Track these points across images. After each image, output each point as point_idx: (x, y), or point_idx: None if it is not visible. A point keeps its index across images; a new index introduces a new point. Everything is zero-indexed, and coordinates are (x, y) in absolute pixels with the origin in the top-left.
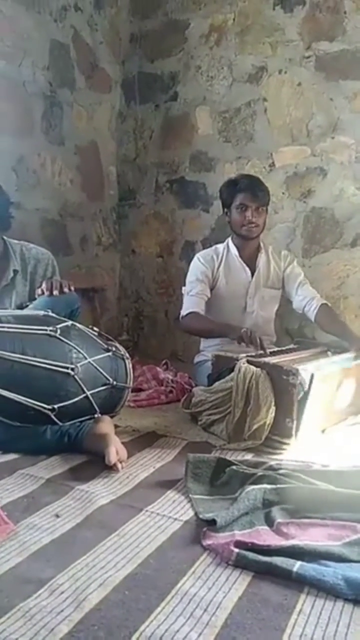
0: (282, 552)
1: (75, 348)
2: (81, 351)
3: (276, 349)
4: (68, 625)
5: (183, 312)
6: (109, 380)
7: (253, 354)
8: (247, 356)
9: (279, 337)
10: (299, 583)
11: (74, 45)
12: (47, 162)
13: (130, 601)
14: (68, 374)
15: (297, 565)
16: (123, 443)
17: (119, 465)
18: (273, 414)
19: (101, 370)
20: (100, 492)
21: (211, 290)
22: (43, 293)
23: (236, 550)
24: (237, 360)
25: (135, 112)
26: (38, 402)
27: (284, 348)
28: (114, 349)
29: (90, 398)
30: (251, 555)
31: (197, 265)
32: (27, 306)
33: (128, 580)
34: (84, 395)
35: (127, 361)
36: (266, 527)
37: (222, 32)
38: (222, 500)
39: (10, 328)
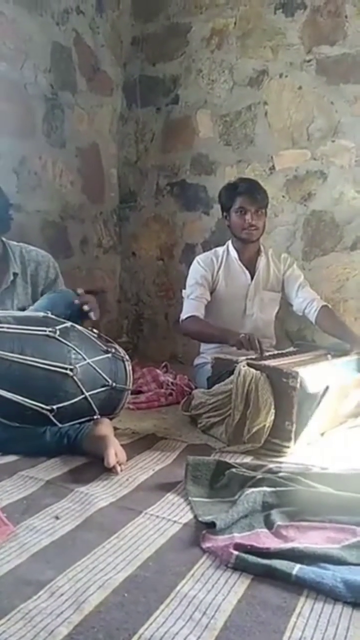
0: (281, 554)
1: (74, 349)
2: (80, 352)
3: (276, 352)
4: (67, 627)
5: (183, 316)
6: (108, 381)
7: (253, 357)
8: (247, 359)
9: (278, 340)
10: (298, 586)
11: (76, 48)
12: (48, 164)
13: (130, 603)
14: (67, 374)
15: (296, 568)
16: (122, 445)
17: (118, 468)
18: (273, 417)
19: (100, 372)
20: (100, 494)
21: (211, 293)
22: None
23: (235, 552)
24: (237, 363)
25: (136, 114)
26: (36, 402)
27: (284, 351)
28: (113, 350)
29: (89, 399)
30: (250, 558)
31: (197, 269)
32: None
33: (127, 582)
34: (82, 396)
35: (126, 363)
36: (265, 530)
37: (223, 35)
38: (221, 502)
39: (9, 328)
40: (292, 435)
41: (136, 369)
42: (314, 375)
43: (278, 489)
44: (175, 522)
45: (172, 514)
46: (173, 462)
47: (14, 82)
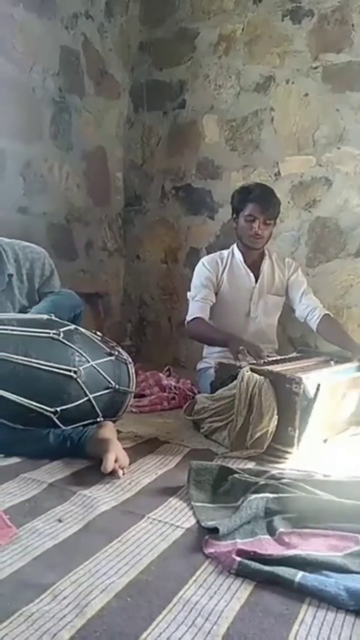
0: (284, 561)
1: (78, 351)
2: (84, 354)
3: (279, 357)
4: (70, 631)
5: (188, 318)
6: (111, 384)
7: (254, 362)
8: (250, 364)
9: (281, 345)
10: (301, 593)
11: (84, 52)
12: (55, 167)
13: (132, 608)
14: (70, 376)
15: (299, 576)
16: (125, 449)
17: (120, 472)
18: (275, 423)
19: (104, 374)
20: (103, 497)
21: (215, 294)
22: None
23: (238, 559)
24: (240, 368)
25: (143, 118)
26: (40, 404)
27: (286, 357)
28: (117, 353)
29: (93, 401)
30: (253, 564)
31: (202, 270)
32: (29, 311)
33: (130, 587)
34: (86, 398)
35: (129, 366)
36: (268, 537)
37: (230, 41)
38: (224, 508)
39: (13, 331)
40: (295, 441)
41: (139, 372)
42: (316, 381)
43: (281, 495)
44: (178, 527)
45: (174, 519)
46: (176, 466)
47: (22, 85)
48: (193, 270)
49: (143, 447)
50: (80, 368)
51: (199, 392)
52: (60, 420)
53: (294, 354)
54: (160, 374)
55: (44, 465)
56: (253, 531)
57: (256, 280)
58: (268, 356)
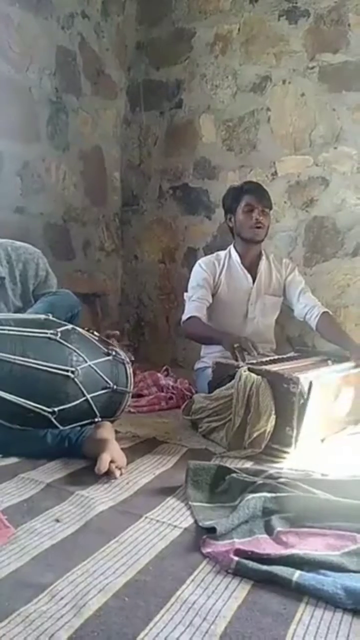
0: (281, 561)
1: (75, 351)
2: (81, 354)
3: (276, 356)
4: (68, 631)
5: (184, 317)
6: (109, 384)
7: (253, 361)
8: (248, 364)
9: (279, 344)
10: (299, 592)
11: (81, 52)
12: (52, 167)
13: (130, 608)
14: (68, 376)
15: (296, 575)
16: (123, 449)
17: (116, 473)
18: (273, 422)
19: (101, 374)
20: (100, 497)
21: (213, 296)
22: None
23: (236, 558)
24: (238, 367)
25: (140, 118)
26: (38, 404)
27: (284, 356)
28: (114, 353)
29: (90, 401)
30: (251, 563)
31: (199, 271)
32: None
33: (127, 587)
34: (84, 398)
35: (127, 366)
36: (266, 536)
37: (227, 41)
38: (222, 508)
39: (10, 331)
40: (293, 441)
41: (137, 372)
42: (309, 379)
43: (278, 494)
44: (175, 526)
45: (172, 519)
46: (173, 466)
47: (18, 85)
48: (191, 270)
49: (141, 447)
50: (78, 368)
51: (196, 392)
52: (57, 421)
53: (292, 354)
54: (158, 374)
55: (41, 465)
56: (251, 530)
57: (253, 281)
58: (264, 354)
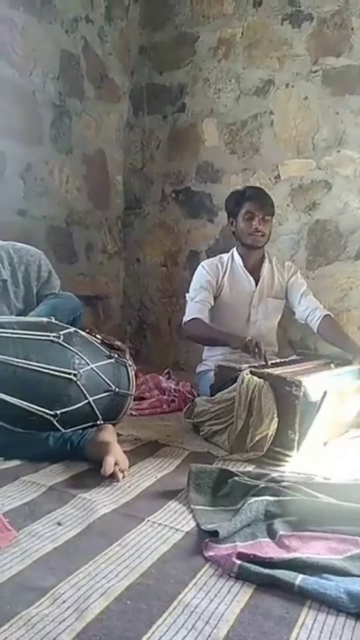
0: (284, 564)
1: (78, 354)
2: (84, 357)
3: (279, 360)
4: (70, 634)
5: (186, 318)
6: (111, 386)
7: (256, 364)
8: (250, 367)
9: (281, 347)
10: (301, 596)
11: (84, 56)
12: (55, 170)
13: (132, 612)
14: (70, 379)
15: (299, 579)
16: (125, 452)
17: (120, 475)
18: (275, 426)
19: (103, 377)
20: (102, 500)
21: (215, 298)
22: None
23: (238, 562)
24: (240, 370)
25: (143, 122)
26: (40, 407)
27: (287, 359)
28: (116, 356)
29: (93, 404)
30: (253, 567)
31: (202, 273)
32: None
33: (130, 590)
34: (86, 401)
35: (129, 368)
36: (268, 539)
37: (230, 45)
38: (224, 511)
39: (13, 333)
40: (295, 444)
41: (139, 375)
42: (317, 384)
43: (281, 498)
44: (177, 530)
45: (174, 522)
46: (175, 469)
47: (22, 89)
48: (193, 273)
49: (143, 450)
50: (80, 371)
51: (198, 395)
52: (60, 423)
53: (294, 357)
54: (160, 377)
55: (43, 468)
56: (253, 534)
57: (256, 284)
58: (269, 358)
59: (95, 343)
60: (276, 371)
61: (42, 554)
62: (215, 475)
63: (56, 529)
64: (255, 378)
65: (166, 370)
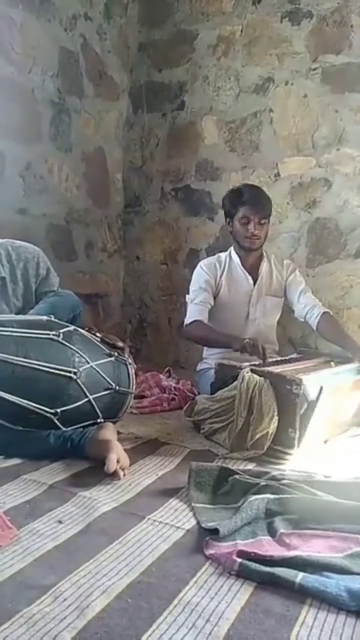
0: (284, 563)
1: (78, 353)
2: (84, 356)
3: (279, 358)
4: (71, 632)
5: (187, 321)
6: (111, 385)
7: (256, 363)
8: (251, 365)
9: (281, 346)
10: (302, 595)
11: (83, 54)
12: (55, 168)
13: (133, 610)
14: (71, 378)
15: (300, 577)
16: (126, 450)
17: (121, 473)
18: (276, 424)
19: (104, 375)
20: (103, 499)
21: (214, 298)
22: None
23: (239, 560)
24: (241, 369)
25: (142, 120)
26: (41, 406)
27: (287, 358)
28: (116, 354)
29: (93, 403)
30: (254, 565)
31: (201, 274)
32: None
33: (131, 588)
34: (86, 399)
35: (130, 367)
36: (269, 538)
37: (230, 43)
38: (224, 509)
39: (13, 332)
40: (296, 443)
41: (139, 373)
42: (317, 382)
43: (281, 496)
44: (178, 528)
45: (175, 520)
46: (176, 467)
47: (21, 87)
48: (193, 271)
49: (143, 448)
50: (80, 369)
51: (199, 394)
52: (60, 422)
53: (295, 355)
54: (161, 375)
55: (44, 466)
56: (254, 532)
57: (255, 283)
58: (269, 357)
59: (95, 341)
60: (277, 369)
61: (43, 552)
62: (216, 474)
63: (57, 528)
64: (256, 376)
65: (167, 369)
